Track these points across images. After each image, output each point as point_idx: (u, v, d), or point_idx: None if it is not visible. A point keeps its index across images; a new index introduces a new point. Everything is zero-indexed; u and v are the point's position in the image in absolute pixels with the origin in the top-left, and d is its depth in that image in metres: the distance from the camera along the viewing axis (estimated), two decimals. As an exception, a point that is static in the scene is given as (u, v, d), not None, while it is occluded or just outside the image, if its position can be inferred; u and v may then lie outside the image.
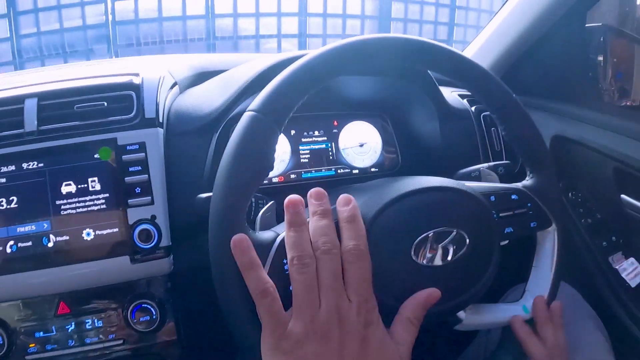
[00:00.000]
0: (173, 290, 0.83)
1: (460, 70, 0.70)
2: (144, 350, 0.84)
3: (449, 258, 0.62)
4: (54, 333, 0.82)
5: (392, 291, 0.61)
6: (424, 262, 0.61)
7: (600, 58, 1.08)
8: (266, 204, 0.68)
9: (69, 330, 0.82)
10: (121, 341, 0.83)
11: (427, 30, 6.10)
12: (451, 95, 1.03)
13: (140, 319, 0.81)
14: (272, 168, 0.61)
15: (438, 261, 0.62)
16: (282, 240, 0.60)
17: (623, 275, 0.99)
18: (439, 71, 0.72)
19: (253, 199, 0.72)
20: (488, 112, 1.00)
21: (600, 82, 1.08)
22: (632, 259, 1.00)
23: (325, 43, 0.67)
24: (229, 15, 5.27)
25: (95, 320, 0.82)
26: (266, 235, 0.61)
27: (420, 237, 0.61)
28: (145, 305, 0.81)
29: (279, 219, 0.66)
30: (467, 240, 0.63)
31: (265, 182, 0.93)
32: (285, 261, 0.59)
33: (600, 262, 1.01)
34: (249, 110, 0.60)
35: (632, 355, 0.92)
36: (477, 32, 1.22)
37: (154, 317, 0.82)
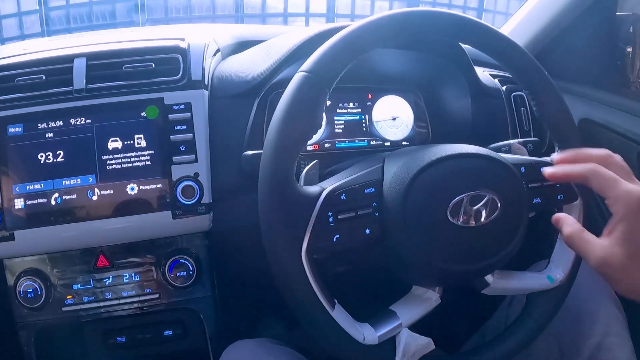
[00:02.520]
0: (210, 247, 0.86)
1: (499, 48, 0.73)
2: (179, 304, 0.87)
3: (482, 220, 0.65)
4: (92, 285, 0.85)
5: (427, 248, 0.65)
6: (459, 222, 0.64)
7: (629, 49, 1.10)
8: (309, 163, 0.71)
9: (107, 283, 0.85)
10: (157, 295, 0.86)
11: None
12: (483, 74, 1.04)
13: (177, 274, 0.84)
14: (320, 126, 0.65)
15: (472, 222, 0.65)
16: (328, 194, 0.63)
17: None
18: (481, 49, 0.74)
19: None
20: (518, 92, 1.03)
21: (628, 73, 1.10)
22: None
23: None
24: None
25: (133, 274, 0.85)
26: (312, 189, 0.64)
27: (456, 199, 0.64)
28: (183, 261, 0.84)
29: (322, 178, 0.69)
30: (499, 205, 0.66)
31: None
32: (330, 214, 0.62)
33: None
34: (300, 71, 0.63)
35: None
36: (506, 18, 1.24)
37: (191, 272, 0.84)
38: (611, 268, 0.58)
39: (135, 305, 0.86)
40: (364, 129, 1.01)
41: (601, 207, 1.05)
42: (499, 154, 0.72)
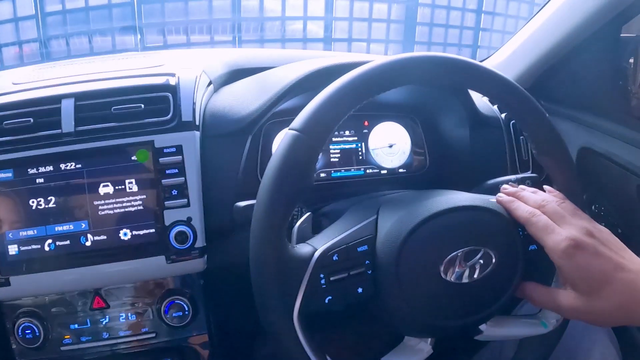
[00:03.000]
0: (205, 287, 0.86)
1: (501, 93, 0.71)
2: (175, 343, 0.87)
3: (475, 276, 0.65)
4: (89, 326, 0.84)
5: (421, 306, 0.64)
6: (452, 279, 0.64)
7: (631, 60, 1.07)
8: (302, 215, 0.69)
9: (103, 323, 0.85)
10: (154, 334, 0.86)
11: (452, 34, 6.01)
12: (481, 101, 1.02)
13: (173, 315, 0.84)
14: (312, 185, 0.63)
15: (465, 279, 0.64)
16: (320, 256, 0.62)
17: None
18: (476, 89, 0.73)
19: None
20: None
21: (630, 95, 1.07)
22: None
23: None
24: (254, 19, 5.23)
25: (129, 314, 0.85)
26: (304, 250, 0.63)
27: (450, 256, 0.64)
28: (178, 302, 0.84)
29: (315, 231, 0.68)
30: (494, 259, 0.65)
31: None
32: (322, 275, 0.62)
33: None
34: (291, 129, 0.61)
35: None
36: (503, 36, 1.21)
37: (187, 312, 0.84)
38: (581, 313, 0.63)
39: (132, 344, 0.86)
40: (361, 157, 0.99)
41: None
42: (493, 199, 0.70)
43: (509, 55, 1.17)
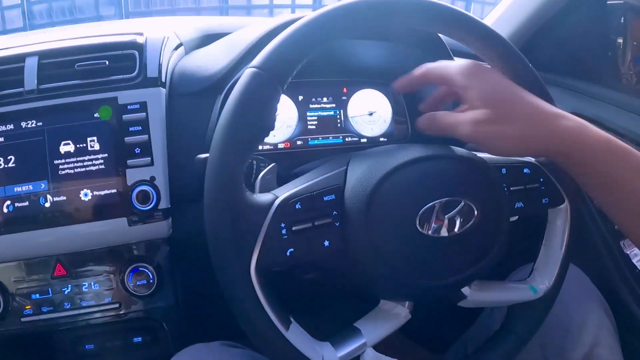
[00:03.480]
0: (171, 255, 0.82)
1: (483, 41, 0.67)
2: (140, 314, 0.83)
3: (456, 230, 0.60)
4: (50, 295, 0.80)
5: (394, 262, 0.59)
6: (429, 232, 0.59)
7: (620, 40, 1.05)
8: (267, 166, 0.65)
9: (65, 292, 0.81)
10: (117, 305, 0.81)
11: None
12: None
13: (137, 283, 0.80)
14: (272, 128, 0.59)
15: (444, 232, 0.59)
16: (281, 203, 0.57)
17: (634, 260, 0.96)
18: (458, 39, 0.68)
19: (254, 162, 0.69)
20: None
21: (619, 65, 1.05)
22: (644, 244, 0.97)
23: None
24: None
25: (92, 283, 0.81)
26: (264, 197, 0.58)
27: (426, 207, 0.59)
28: (143, 269, 0.80)
29: (280, 182, 0.64)
30: (475, 212, 0.60)
31: (270, 147, 0.91)
32: (283, 225, 0.57)
33: (612, 245, 0.98)
34: (250, 67, 0.57)
35: (637, 340, 0.89)
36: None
37: (151, 281, 0.80)
38: (485, 135, 0.59)
39: (95, 315, 0.82)
40: (339, 125, 0.95)
41: (592, 211, 0.99)
42: (478, 154, 0.66)
43: (494, 22, 1.14)
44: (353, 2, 0.60)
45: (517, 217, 0.73)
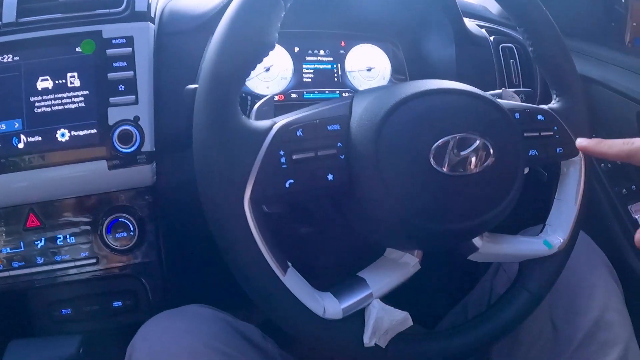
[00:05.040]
0: (155, 206, 0.76)
1: None
2: (119, 270, 0.77)
3: (472, 168, 0.55)
4: (22, 249, 0.75)
5: (405, 201, 0.54)
6: (444, 170, 0.53)
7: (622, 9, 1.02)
8: (264, 98, 0.60)
9: (38, 246, 0.75)
10: (94, 260, 0.75)
11: None
12: (470, 23, 0.96)
13: (117, 235, 0.75)
14: (273, 47, 0.53)
15: (460, 170, 0.54)
16: (280, 128, 0.52)
17: (643, 225, 0.93)
18: None
19: (249, 97, 0.64)
20: (508, 44, 0.94)
21: (623, 34, 1.02)
22: (653, 210, 0.95)
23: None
24: None
25: (68, 236, 0.75)
26: (261, 123, 0.53)
27: (440, 141, 0.53)
28: (123, 220, 0.75)
29: (277, 115, 0.58)
30: (492, 151, 0.55)
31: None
32: (282, 152, 0.52)
33: (619, 210, 0.95)
34: None
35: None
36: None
37: (132, 233, 0.75)
38: None
39: (71, 271, 0.75)
40: (336, 79, 0.91)
41: (600, 174, 0.96)
42: (492, 95, 0.62)
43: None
44: None
45: (528, 169, 0.69)
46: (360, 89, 0.92)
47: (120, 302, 0.81)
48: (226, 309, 0.72)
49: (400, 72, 0.95)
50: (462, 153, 0.54)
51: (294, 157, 0.52)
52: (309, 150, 0.53)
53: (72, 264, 0.75)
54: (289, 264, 0.55)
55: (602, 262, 0.81)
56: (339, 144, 0.54)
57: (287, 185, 0.52)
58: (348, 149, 0.54)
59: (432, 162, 0.53)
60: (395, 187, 0.53)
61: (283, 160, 0.52)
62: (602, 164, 0.97)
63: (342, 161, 0.54)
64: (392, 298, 0.60)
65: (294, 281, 0.54)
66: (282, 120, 0.53)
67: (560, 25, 1.02)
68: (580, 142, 0.58)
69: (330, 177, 0.53)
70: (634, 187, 0.96)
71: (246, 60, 0.52)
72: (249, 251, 0.51)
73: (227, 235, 0.51)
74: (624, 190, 0.95)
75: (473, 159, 0.54)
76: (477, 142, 0.55)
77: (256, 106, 0.59)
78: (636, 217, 0.94)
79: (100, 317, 0.82)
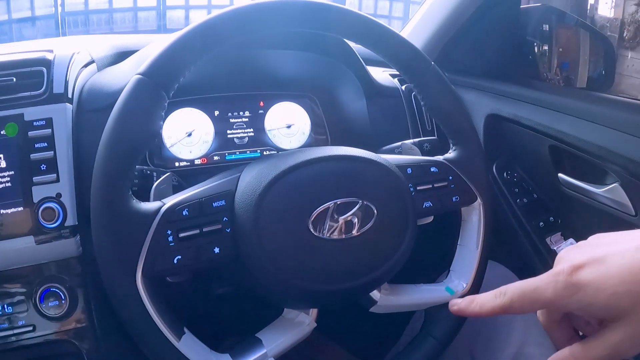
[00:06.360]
0: (84, 274, 0.80)
1: (371, 36, 0.67)
2: (56, 336, 0.81)
3: (354, 232, 0.59)
4: None
5: (288, 267, 0.58)
6: (325, 235, 0.58)
7: (545, 47, 1.07)
8: (162, 176, 0.65)
9: None
10: (31, 327, 0.79)
11: (382, 6, 5.69)
12: (382, 74, 1.00)
13: (49, 304, 0.78)
14: (157, 135, 0.59)
15: (340, 234, 0.59)
16: (167, 210, 0.57)
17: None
18: (351, 37, 0.69)
19: (154, 173, 0.69)
20: None
21: (544, 70, 1.07)
22: (571, 240, 0.99)
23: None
24: (180, 7, 5.17)
25: (5, 306, 0.79)
26: (150, 205, 0.58)
27: (319, 208, 0.58)
28: (54, 290, 0.78)
29: (176, 191, 0.63)
30: (375, 212, 0.60)
31: (186, 164, 0.91)
32: (169, 232, 0.56)
33: (537, 243, 0.99)
34: (135, 74, 0.57)
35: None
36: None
37: (63, 301, 0.78)
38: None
39: (11, 339, 0.79)
40: (257, 138, 0.95)
41: (514, 209, 1.00)
42: (383, 156, 0.66)
43: (412, 28, 1.16)
44: (235, 8, 0.60)
45: (430, 218, 0.73)
46: (281, 146, 0.96)
47: None
48: None
49: (320, 126, 0.99)
50: (341, 218, 0.58)
51: (181, 235, 0.56)
52: (195, 227, 0.57)
53: (11, 332, 0.79)
54: (185, 330, 0.59)
55: None
56: (225, 218, 0.59)
57: (175, 261, 0.56)
58: (233, 222, 0.59)
59: (311, 229, 0.57)
60: (277, 255, 0.57)
61: (170, 239, 0.56)
62: (518, 200, 1.00)
63: (228, 234, 0.58)
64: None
65: (189, 345, 0.58)
66: (170, 202, 0.58)
67: (473, 68, 1.08)
68: (452, 304, 0.52)
69: (216, 250, 0.58)
70: (551, 218, 1.00)
71: (132, 150, 0.57)
72: (144, 323, 0.56)
73: (123, 313, 0.56)
74: (541, 223, 0.99)
75: (355, 222, 0.59)
76: (359, 204, 0.59)
77: (154, 185, 0.63)
78: (555, 248, 0.97)
79: None
